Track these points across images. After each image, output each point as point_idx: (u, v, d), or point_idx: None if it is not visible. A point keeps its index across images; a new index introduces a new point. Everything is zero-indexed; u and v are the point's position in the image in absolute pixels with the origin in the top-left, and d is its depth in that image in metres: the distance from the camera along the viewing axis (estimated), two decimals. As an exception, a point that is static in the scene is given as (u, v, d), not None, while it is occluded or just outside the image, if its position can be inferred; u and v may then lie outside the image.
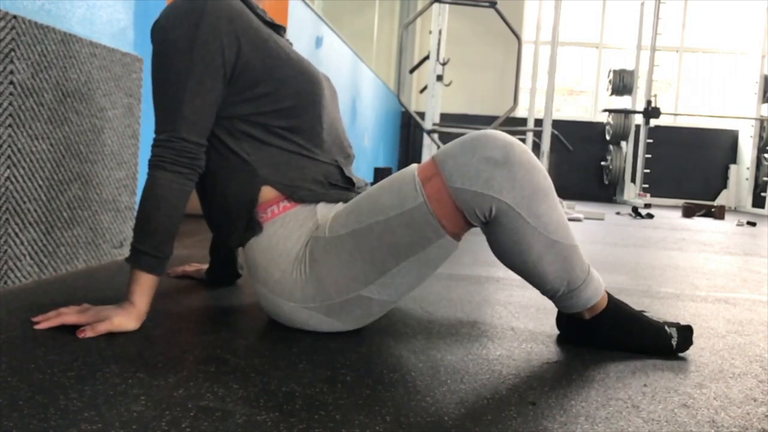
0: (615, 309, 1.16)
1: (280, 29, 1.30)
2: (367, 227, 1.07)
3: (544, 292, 1.14)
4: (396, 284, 1.10)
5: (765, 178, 8.16)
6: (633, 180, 8.31)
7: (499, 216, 1.03)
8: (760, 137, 8.24)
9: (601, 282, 1.15)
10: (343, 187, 1.21)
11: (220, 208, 1.19)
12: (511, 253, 1.08)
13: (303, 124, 1.18)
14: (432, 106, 5.12)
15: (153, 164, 1.10)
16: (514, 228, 1.04)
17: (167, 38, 1.11)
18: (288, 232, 1.13)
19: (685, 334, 1.17)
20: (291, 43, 1.31)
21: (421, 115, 5.22)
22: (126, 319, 1.08)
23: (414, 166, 1.09)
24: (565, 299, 1.13)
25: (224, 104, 1.15)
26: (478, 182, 1.01)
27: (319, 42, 4.11)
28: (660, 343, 1.15)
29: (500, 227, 1.05)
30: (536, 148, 5.56)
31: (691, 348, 1.19)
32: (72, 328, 1.05)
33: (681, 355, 1.17)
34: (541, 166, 1.07)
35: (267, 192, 1.16)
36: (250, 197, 1.15)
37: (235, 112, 1.16)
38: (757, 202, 8.26)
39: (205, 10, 1.10)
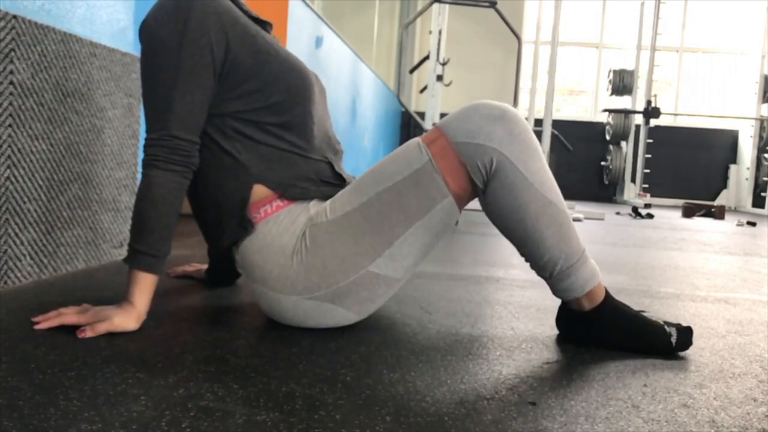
0: (614, 306, 1.16)
1: (266, 25, 1.30)
2: (374, 197, 1.10)
3: (542, 267, 1.14)
4: (402, 255, 1.12)
5: (765, 178, 8.16)
6: (633, 180, 8.31)
7: (498, 170, 1.08)
8: (760, 137, 8.25)
9: (597, 268, 1.17)
10: (334, 183, 1.22)
11: (212, 207, 1.19)
12: (509, 211, 1.10)
13: (294, 120, 1.19)
14: (432, 106, 5.12)
15: (147, 163, 1.10)
16: (512, 182, 1.08)
17: (156, 37, 1.11)
18: (282, 230, 1.14)
19: (685, 334, 1.17)
20: (278, 40, 1.31)
21: (421, 115, 5.22)
22: (126, 319, 1.08)
23: (416, 138, 1.14)
24: (563, 277, 1.13)
25: (215, 101, 1.15)
26: (480, 135, 1.08)
27: (319, 42, 4.11)
28: (660, 343, 1.15)
29: (499, 182, 1.08)
30: (536, 148, 5.54)
31: (691, 348, 1.19)
32: (72, 328, 1.05)
33: (681, 355, 1.17)
34: (532, 130, 1.14)
35: (259, 190, 1.16)
36: (242, 196, 1.15)
37: (226, 110, 1.16)
38: (757, 202, 8.26)
39: (192, 8, 1.11)
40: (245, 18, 1.19)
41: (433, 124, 5.00)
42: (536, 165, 1.10)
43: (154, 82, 1.11)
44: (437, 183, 1.09)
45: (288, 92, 1.18)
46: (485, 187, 1.10)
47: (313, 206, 1.17)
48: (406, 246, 1.11)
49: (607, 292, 1.17)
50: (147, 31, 1.13)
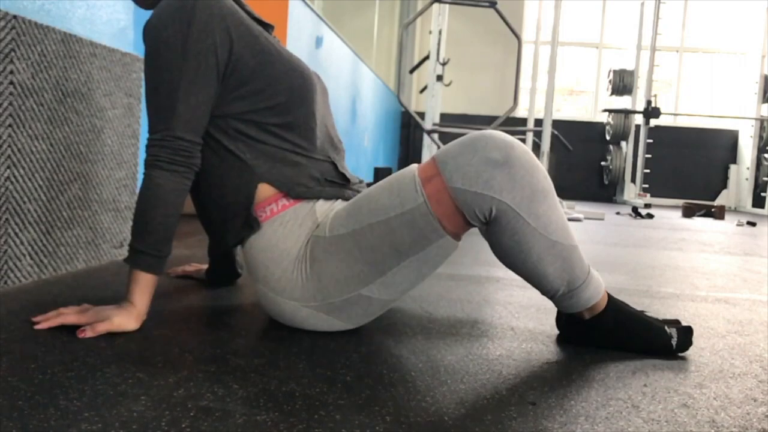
0: (615, 309, 1.16)
1: (268, 27, 1.30)
2: (367, 227, 1.07)
3: (544, 293, 1.14)
4: (396, 283, 1.10)
5: (765, 178, 8.16)
6: (633, 180, 8.31)
7: (499, 217, 1.03)
8: (760, 137, 8.25)
9: (602, 282, 1.15)
10: (338, 183, 1.21)
11: (217, 206, 1.19)
12: (511, 254, 1.08)
13: (296, 120, 1.19)
14: (432, 106, 5.12)
15: (149, 164, 1.10)
16: (514, 229, 1.04)
17: (160, 37, 1.11)
18: (288, 231, 1.14)
19: (685, 334, 1.17)
20: (280, 41, 1.31)
21: (421, 115, 5.22)
22: (126, 319, 1.08)
23: (414, 166, 1.09)
24: (565, 299, 1.13)
25: (218, 102, 1.15)
26: (479, 183, 1.01)
27: (319, 42, 4.11)
28: (660, 343, 1.15)
29: (500, 228, 1.05)
30: (536, 148, 5.56)
31: (691, 348, 1.19)
32: (72, 328, 1.05)
33: (681, 355, 1.17)
34: (541, 167, 1.07)
35: (264, 189, 1.16)
36: (247, 195, 1.15)
37: (229, 111, 1.16)
38: (757, 202, 8.26)
39: (196, 9, 1.11)
40: (248, 19, 1.19)
41: (434, 125, 5.00)
42: (541, 208, 1.04)
43: (158, 82, 1.11)
44: (432, 225, 1.04)
45: (290, 93, 1.18)
46: (486, 227, 1.08)
47: (320, 207, 1.16)
48: (400, 276, 1.09)
49: (608, 296, 1.17)
50: (151, 31, 1.13)
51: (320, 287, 1.10)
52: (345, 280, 1.09)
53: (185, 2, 1.11)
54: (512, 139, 1.05)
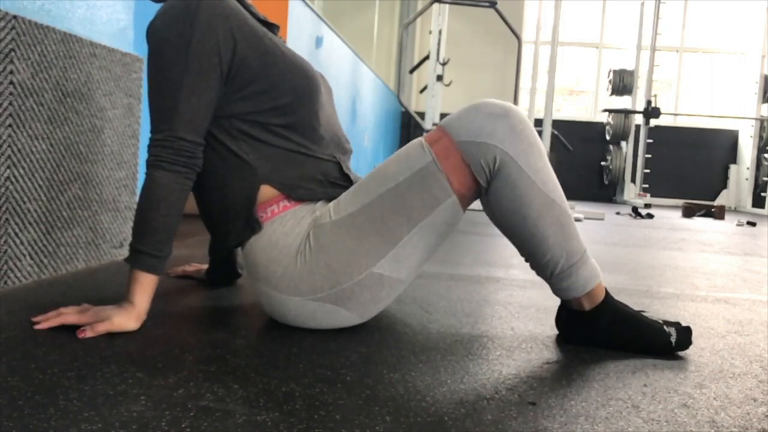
0: (613, 306, 1.16)
1: (273, 27, 1.30)
2: (377, 198, 1.10)
3: (543, 267, 1.14)
4: (406, 256, 1.12)
5: (765, 178, 8.16)
6: (633, 180, 8.31)
7: (501, 168, 1.08)
8: (760, 137, 8.25)
9: (598, 268, 1.17)
10: (341, 185, 1.22)
11: (219, 207, 1.19)
12: (511, 210, 1.10)
13: (300, 121, 1.19)
14: (432, 106, 5.12)
15: (151, 164, 1.10)
16: (515, 181, 1.08)
17: (163, 37, 1.11)
18: (287, 229, 1.14)
19: (685, 334, 1.17)
20: (284, 41, 1.31)
21: (421, 115, 5.22)
22: (126, 319, 1.08)
23: (419, 138, 1.14)
24: (564, 277, 1.13)
25: (221, 103, 1.15)
26: (483, 133, 1.07)
27: (319, 42, 4.11)
28: (659, 342, 1.15)
29: (502, 181, 1.08)
30: (536, 148, 5.55)
31: (691, 348, 1.19)
32: (72, 328, 1.05)
33: (681, 355, 1.17)
34: (534, 130, 1.14)
35: (266, 191, 1.16)
36: (249, 196, 1.15)
37: (232, 111, 1.16)
38: (757, 202, 8.26)
39: (200, 9, 1.11)
40: (252, 20, 1.19)
41: (434, 124, 5.00)
42: (539, 163, 1.10)
43: (160, 82, 1.11)
44: (441, 182, 1.08)
45: (294, 94, 1.18)
46: (488, 185, 1.10)
47: (319, 208, 1.17)
48: (410, 247, 1.11)
49: (607, 292, 1.17)
50: (154, 31, 1.13)
51: (328, 274, 1.10)
52: (356, 259, 1.10)
53: (189, 2, 1.11)
54: (509, 103, 1.12)
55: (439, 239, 1.15)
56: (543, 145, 1.13)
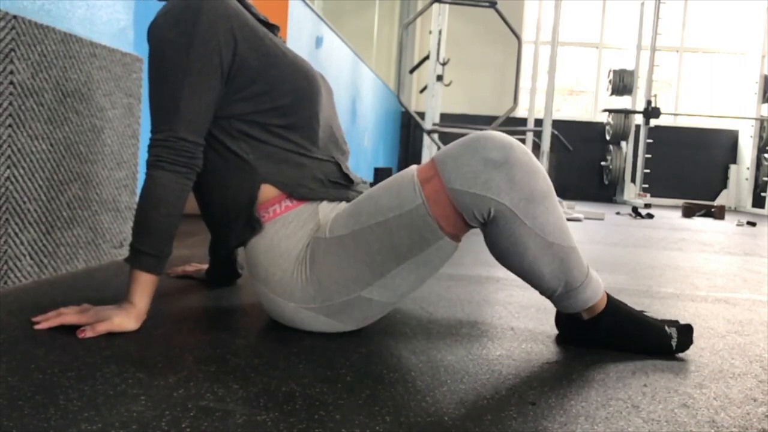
0: (614, 310, 1.16)
1: (274, 28, 1.30)
2: (367, 228, 1.07)
3: (542, 292, 1.14)
4: (396, 285, 1.10)
5: (765, 178, 8.16)
6: (633, 180, 8.31)
7: (496, 218, 1.03)
8: (760, 137, 8.25)
9: (601, 283, 1.15)
10: (342, 184, 1.21)
11: (220, 207, 1.19)
12: (507, 255, 1.08)
13: (300, 122, 1.18)
14: (432, 106, 5.12)
15: (151, 164, 1.10)
16: (511, 230, 1.04)
17: (164, 38, 1.11)
18: (290, 232, 1.13)
19: (685, 334, 1.17)
20: (285, 42, 1.31)
21: (421, 115, 5.22)
22: (126, 319, 1.08)
23: (414, 167, 1.09)
24: (563, 299, 1.13)
25: (222, 103, 1.15)
26: (477, 184, 1.01)
27: (319, 42, 4.11)
28: (660, 343, 1.15)
29: (498, 229, 1.05)
30: (536, 148, 5.56)
31: (691, 348, 1.19)
32: (72, 328, 1.05)
33: (681, 355, 1.17)
34: (541, 168, 1.07)
35: (267, 191, 1.16)
36: (250, 196, 1.15)
37: (232, 112, 1.16)
38: (757, 202, 8.26)
39: (201, 9, 1.10)
40: (253, 20, 1.19)
41: (434, 125, 5.00)
42: (539, 209, 1.04)
43: (161, 82, 1.11)
44: (431, 226, 1.04)
45: (294, 94, 1.18)
46: (483, 227, 1.08)
47: (323, 209, 1.16)
48: (399, 278, 1.09)
49: (608, 296, 1.17)
50: (155, 31, 1.13)
51: (320, 289, 1.10)
52: (344, 281, 1.09)
53: (190, 2, 1.11)
54: (512, 140, 1.05)
55: (432, 270, 1.11)
56: (548, 184, 1.06)
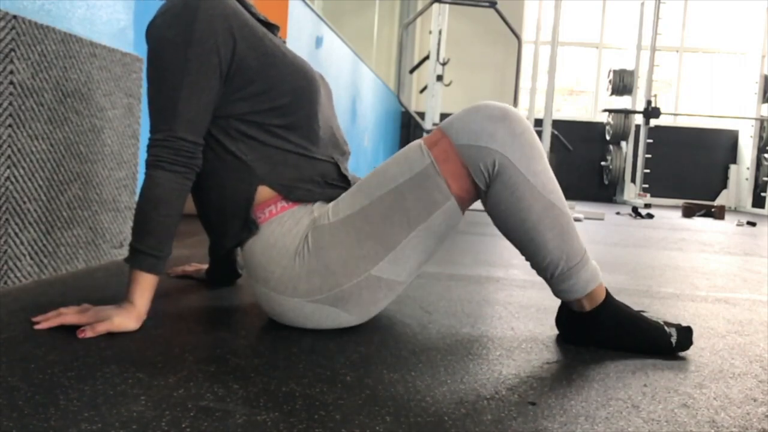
0: (614, 306, 1.16)
1: (273, 28, 1.30)
2: (376, 200, 1.10)
3: (543, 269, 1.14)
4: (405, 258, 1.12)
5: (765, 178, 8.16)
6: (633, 180, 8.31)
7: (500, 171, 1.07)
8: (760, 137, 8.25)
9: (598, 269, 1.16)
10: (339, 186, 1.21)
11: (217, 208, 1.19)
12: (511, 213, 1.10)
13: (299, 122, 1.19)
14: (432, 106, 5.12)
15: (150, 164, 1.10)
16: (514, 184, 1.08)
17: (162, 37, 1.11)
18: (285, 230, 1.14)
19: (685, 334, 1.17)
20: (284, 42, 1.31)
21: (421, 115, 5.22)
22: (126, 319, 1.08)
23: (418, 140, 1.14)
24: (564, 279, 1.13)
25: (221, 103, 1.15)
26: (483, 137, 1.07)
27: (319, 42, 4.11)
28: (660, 343, 1.15)
29: (501, 185, 1.08)
30: (536, 148, 5.55)
31: (691, 348, 1.19)
32: (72, 328, 1.05)
33: (681, 355, 1.17)
34: (534, 131, 1.13)
35: (264, 192, 1.16)
36: (247, 197, 1.15)
37: (231, 111, 1.16)
38: (757, 202, 8.26)
39: (200, 9, 1.10)
40: (253, 20, 1.19)
41: (434, 125, 5.00)
42: (539, 167, 1.09)
43: (160, 82, 1.11)
44: (440, 186, 1.08)
45: (293, 94, 1.18)
46: (487, 189, 1.10)
47: (318, 208, 1.17)
48: (409, 249, 1.11)
49: (607, 293, 1.17)
50: (154, 31, 1.13)
51: (327, 276, 1.10)
52: (355, 261, 1.10)
53: (188, 2, 1.11)
54: (506, 104, 1.12)
55: (438, 242, 1.15)
56: (543, 148, 1.13)
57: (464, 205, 1.12)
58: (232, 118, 1.16)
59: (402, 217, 1.09)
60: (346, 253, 1.10)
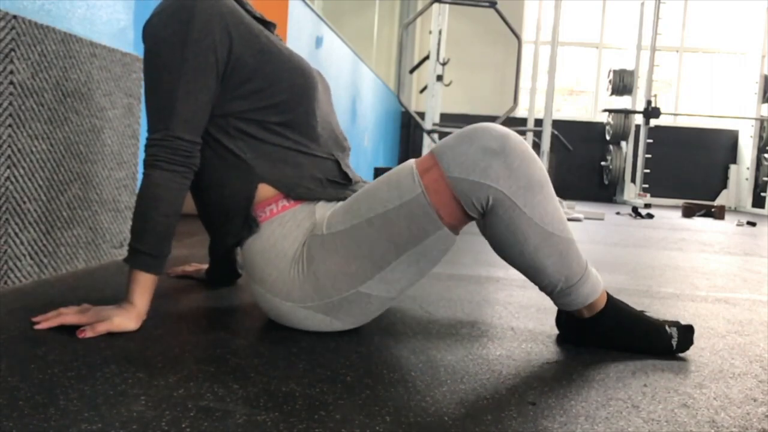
0: (614, 309, 1.16)
1: (269, 25, 1.30)
2: (366, 221, 1.07)
3: (542, 288, 1.13)
4: (395, 279, 1.10)
5: (765, 178, 8.16)
6: (633, 180, 8.31)
7: (495, 206, 1.04)
8: (760, 137, 8.25)
9: (600, 280, 1.15)
10: (340, 183, 1.21)
11: (217, 206, 1.19)
12: (508, 245, 1.07)
13: (297, 119, 1.18)
14: (432, 106, 5.12)
15: (148, 164, 1.10)
16: (510, 218, 1.04)
17: (159, 36, 1.11)
18: (286, 232, 1.13)
19: (686, 333, 1.17)
20: (281, 39, 1.31)
21: (421, 115, 5.22)
22: (126, 319, 1.08)
23: (411, 160, 1.10)
24: (563, 295, 1.12)
25: (218, 102, 1.15)
26: (476, 171, 1.02)
27: (319, 42, 4.11)
28: (660, 343, 1.15)
29: (497, 218, 1.05)
30: (536, 148, 5.56)
31: (691, 348, 1.19)
32: (72, 328, 1.05)
33: (681, 355, 1.17)
34: (537, 158, 1.07)
35: (264, 190, 1.16)
36: (247, 195, 1.15)
37: (229, 110, 1.16)
38: (757, 202, 8.26)
39: (196, 8, 1.10)
40: (249, 18, 1.19)
41: (434, 125, 5.00)
42: (537, 198, 1.05)
43: (157, 82, 1.11)
44: (430, 216, 1.04)
45: (291, 91, 1.18)
46: (482, 218, 1.08)
47: (320, 209, 1.16)
48: (399, 271, 1.09)
49: (608, 295, 1.17)
50: (150, 30, 1.13)
51: (318, 286, 1.10)
52: (343, 277, 1.09)
53: (185, 1, 1.11)
54: (508, 130, 1.05)
55: (431, 263, 1.11)
56: (545, 174, 1.07)
57: (457, 229, 1.09)
58: (231, 116, 1.16)
59: (390, 243, 1.06)
60: (335, 267, 1.08)
